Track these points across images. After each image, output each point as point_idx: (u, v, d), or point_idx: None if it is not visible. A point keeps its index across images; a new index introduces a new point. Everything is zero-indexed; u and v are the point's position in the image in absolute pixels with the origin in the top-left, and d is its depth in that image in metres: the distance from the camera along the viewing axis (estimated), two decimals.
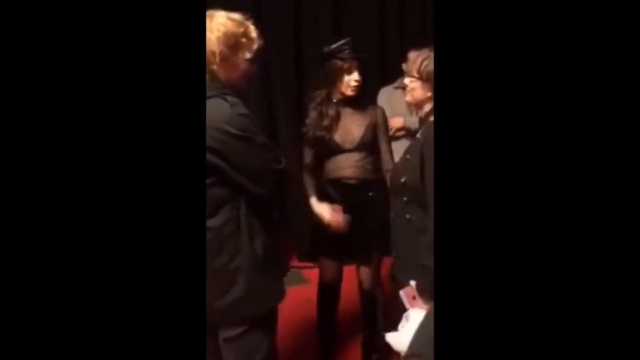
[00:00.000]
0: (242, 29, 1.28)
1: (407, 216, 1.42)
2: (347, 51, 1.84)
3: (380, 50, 3.31)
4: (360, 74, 1.87)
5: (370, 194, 1.93)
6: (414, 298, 1.34)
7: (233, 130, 1.21)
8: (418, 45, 2.80)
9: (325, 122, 1.87)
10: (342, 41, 1.85)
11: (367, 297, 2.06)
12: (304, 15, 3.21)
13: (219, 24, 1.26)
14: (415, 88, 1.45)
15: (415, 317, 1.32)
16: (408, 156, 1.46)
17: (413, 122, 2.76)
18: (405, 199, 1.43)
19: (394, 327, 2.17)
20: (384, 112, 1.98)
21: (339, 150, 1.90)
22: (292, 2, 3.18)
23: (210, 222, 1.26)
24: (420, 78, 1.43)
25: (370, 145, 1.93)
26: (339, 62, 1.83)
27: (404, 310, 1.36)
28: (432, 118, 1.42)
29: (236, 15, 1.30)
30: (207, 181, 1.22)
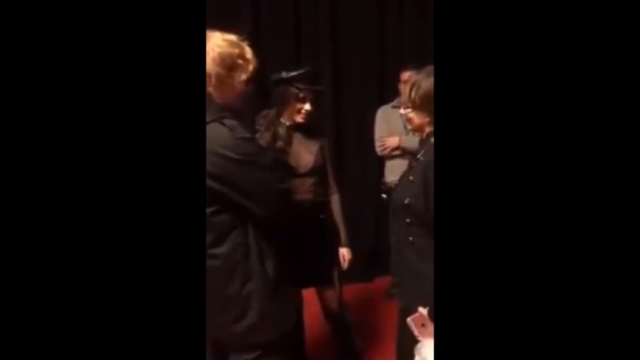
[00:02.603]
0: (237, 50, 1.25)
1: (410, 238, 1.36)
2: (304, 81, 1.83)
3: (379, 69, 3.30)
4: (313, 105, 1.85)
5: (321, 216, 1.94)
6: (423, 325, 1.27)
7: (233, 155, 1.16)
8: (411, 66, 2.83)
9: (279, 144, 1.87)
10: (302, 71, 1.85)
11: (336, 319, 2.01)
12: (304, 35, 3.18)
13: (215, 44, 1.22)
14: (412, 117, 1.40)
15: (428, 348, 1.23)
16: (411, 177, 1.39)
17: (409, 141, 2.73)
18: (407, 220, 1.37)
19: (371, 345, 2.14)
20: (327, 142, 2.01)
21: (293, 174, 1.89)
22: (291, 22, 3.16)
23: (219, 250, 1.21)
24: (414, 107, 1.37)
25: (321, 169, 1.94)
26: (295, 90, 1.83)
27: (414, 338, 1.29)
28: (432, 139, 1.37)
29: (231, 36, 1.26)
30: (211, 209, 1.19)
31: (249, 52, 1.28)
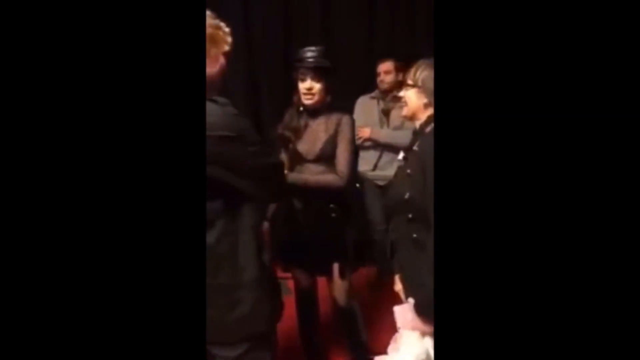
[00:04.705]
0: (216, 22, 1.21)
1: (414, 235, 1.33)
2: (308, 60, 1.76)
3: (367, 60, 3.23)
4: (319, 82, 1.77)
5: (333, 215, 1.86)
6: (408, 317, 1.27)
7: (228, 133, 1.10)
8: (387, 58, 2.79)
9: (286, 132, 1.84)
10: (305, 49, 1.79)
11: (345, 313, 1.97)
12: (293, 19, 3.11)
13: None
14: (410, 97, 1.40)
15: (405, 340, 1.26)
16: (408, 170, 1.37)
17: (383, 134, 2.75)
18: (410, 216, 1.34)
19: (377, 337, 2.09)
20: (349, 120, 1.84)
21: (302, 160, 1.84)
22: (281, 5, 3.09)
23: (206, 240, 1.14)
24: (415, 85, 1.38)
25: (329, 157, 1.83)
26: (297, 71, 1.78)
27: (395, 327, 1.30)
28: (428, 129, 1.37)
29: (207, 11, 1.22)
30: None
31: (224, 26, 1.24)
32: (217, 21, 1.21)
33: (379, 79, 2.80)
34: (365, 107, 2.86)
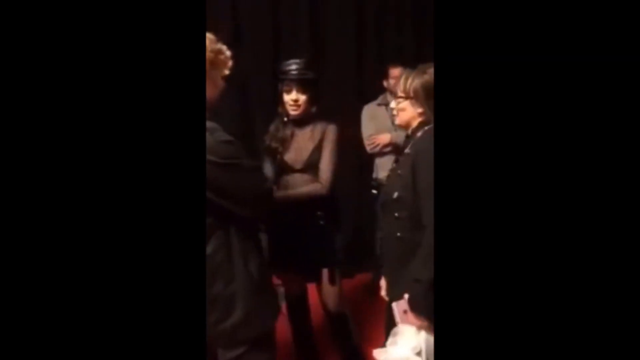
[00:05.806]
0: (218, 46, 1.24)
1: (398, 234, 1.36)
2: (293, 72, 1.81)
3: (360, 67, 3.26)
4: (304, 94, 1.81)
5: (321, 222, 1.88)
6: (404, 312, 1.30)
7: (216, 159, 1.13)
8: (397, 62, 2.80)
9: (273, 143, 1.88)
10: (290, 61, 1.84)
11: (335, 318, 1.99)
12: (283, 33, 3.16)
13: None
14: (404, 108, 1.43)
15: (403, 334, 1.29)
16: (399, 171, 1.41)
17: (400, 137, 2.79)
18: (396, 214, 1.37)
19: (369, 342, 2.08)
20: (335, 129, 1.88)
21: (290, 170, 1.88)
22: (270, 18, 3.14)
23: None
24: (407, 97, 1.41)
25: (316, 165, 1.87)
26: (282, 82, 1.83)
27: (394, 323, 1.32)
28: (419, 134, 1.41)
29: (209, 34, 1.25)
30: None
31: (226, 50, 1.28)
32: (218, 45, 1.24)
33: (393, 84, 2.79)
34: (374, 114, 2.86)
